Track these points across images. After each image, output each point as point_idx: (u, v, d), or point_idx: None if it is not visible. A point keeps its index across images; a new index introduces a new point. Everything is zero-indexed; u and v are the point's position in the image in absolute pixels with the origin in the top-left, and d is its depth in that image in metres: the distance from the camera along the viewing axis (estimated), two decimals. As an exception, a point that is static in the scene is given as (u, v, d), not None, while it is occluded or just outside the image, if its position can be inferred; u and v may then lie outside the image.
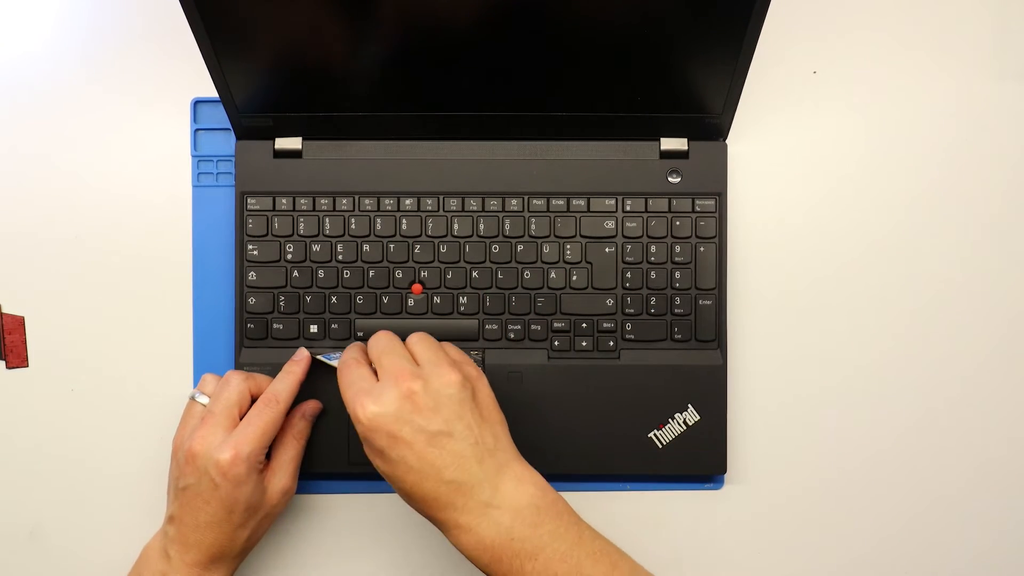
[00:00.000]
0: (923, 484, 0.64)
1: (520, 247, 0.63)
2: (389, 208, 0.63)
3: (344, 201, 0.63)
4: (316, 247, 0.63)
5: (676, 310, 0.62)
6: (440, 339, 0.62)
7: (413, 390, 0.52)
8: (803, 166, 0.65)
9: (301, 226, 0.63)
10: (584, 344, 0.62)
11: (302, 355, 0.61)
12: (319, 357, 0.61)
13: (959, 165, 0.65)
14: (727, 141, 0.63)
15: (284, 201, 0.63)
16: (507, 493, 0.52)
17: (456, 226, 0.63)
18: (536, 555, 0.51)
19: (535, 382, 0.62)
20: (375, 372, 0.54)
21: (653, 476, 0.63)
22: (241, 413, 0.57)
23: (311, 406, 0.61)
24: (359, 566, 0.64)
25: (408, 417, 0.51)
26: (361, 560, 0.64)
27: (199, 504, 0.55)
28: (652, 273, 0.63)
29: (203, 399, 0.59)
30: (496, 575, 0.51)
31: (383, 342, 0.55)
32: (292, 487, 0.59)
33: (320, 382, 0.61)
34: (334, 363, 0.59)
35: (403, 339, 0.56)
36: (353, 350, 0.57)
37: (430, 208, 0.63)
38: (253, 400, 0.58)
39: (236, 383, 0.58)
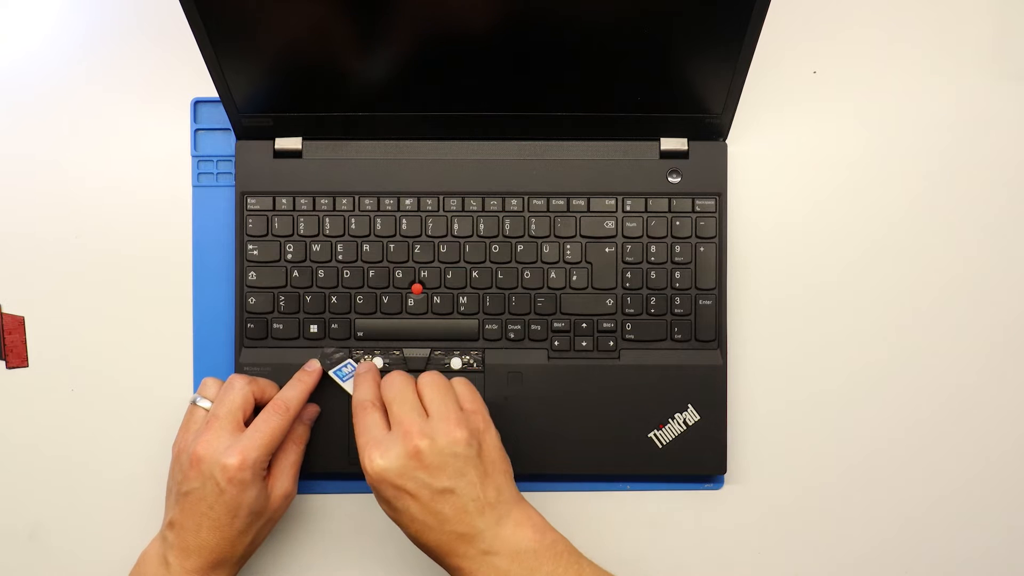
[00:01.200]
0: (923, 484, 0.64)
1: (520, 247, 0.63)
2: (389, 208, 0.63)
3: (344, 201, 0.63)
4: (316, 247, 0.63)
5: (676, 310, 0.62)
6: (440, 339, 0.62)
7: (420, 448, 0.53)
8: (803, 166, 0.65)
9: (301, 226, 0.63)
10: (584, 344, 0.62)
11: (314, 367, 0.61)
12: (331, 373, 0.61)
13: (959, 165, 0.65)
14: (727, 141, 0.63)
15: (284, 201, 0.63)
16: (506, 539, 0.53)
17: (456, 226, 0.63)
18: None
19: (535, 382, 0.62)
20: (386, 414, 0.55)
21: (653, 476, 0.63)
22: (245, 417, 0.57)
23: (311, 411, 0.61)
24: (358, 566, 0.64)
25: (413, 473, 0.53)
26: (360, 560, 0.64)
27: (202, 509, 0.55)
28: (652, 273, 0.63)
29: (204, 403, 0.59)
30: None
31: (396, 387, 0.56)
32: (293, 491, 0.59)
33: (320, 384, 0.61)
34: (347, 386, 0.60)
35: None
36: (368, 386, 0.57)
37: (430, 208, 0.63)
38: (255, 404, 0.58)
39: (240, 387, 0.58)
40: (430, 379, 0.57)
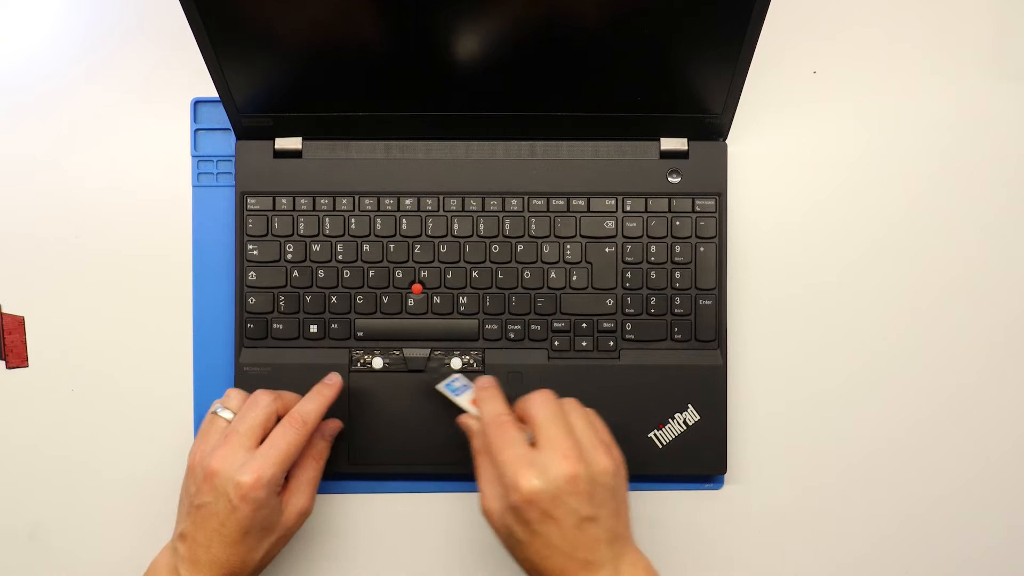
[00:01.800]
0: (923, 484, 0.64)
1: (520, 247, 0.63)
2: (389, 208, 0.63)
3: (344, 201, 0.63)
4: (316, 247, 0.63)
5: (676, 310, 0.62)
6: (440, 339, 0.62)
7: (578, 474, 0.51)
8: (803, 166, 0.65)
9: (301, 226, 0.63)
10: (584, 344, 0.62)
11: (335, 380, 0.60)
12: (441, 387, 0.60)
13: (959, 165, 0.65)
14: (727, 141, 0.63)
15: (284, 201, 0.63)
16: (624, 574, 0.52)
17: (456, 226, 0.63)
18: None
19: (535, 382, 0.62)
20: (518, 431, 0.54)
21: (653, 476, 0.63)
22: (264, 434, 0.56)
23: (332, 426, 0.60)
24: (358, 566, 0.64)
25: (566, 499, 0.51)
26: (360, 560, 0.64)
27: (214, 524, 0.54)
28: (652, 273, 0.63)
29: (226, 414, 0.57)
30: None
31: (549, 406, 0.54)
32: (310, 508, 0.58)
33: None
34: (459, 400, 0.58)
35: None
36: (499, 401, 0.55)
37: (430, 208, 0.63)
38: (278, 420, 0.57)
39: (264, 405, 0.56)
40: (572, 405, 0.55)
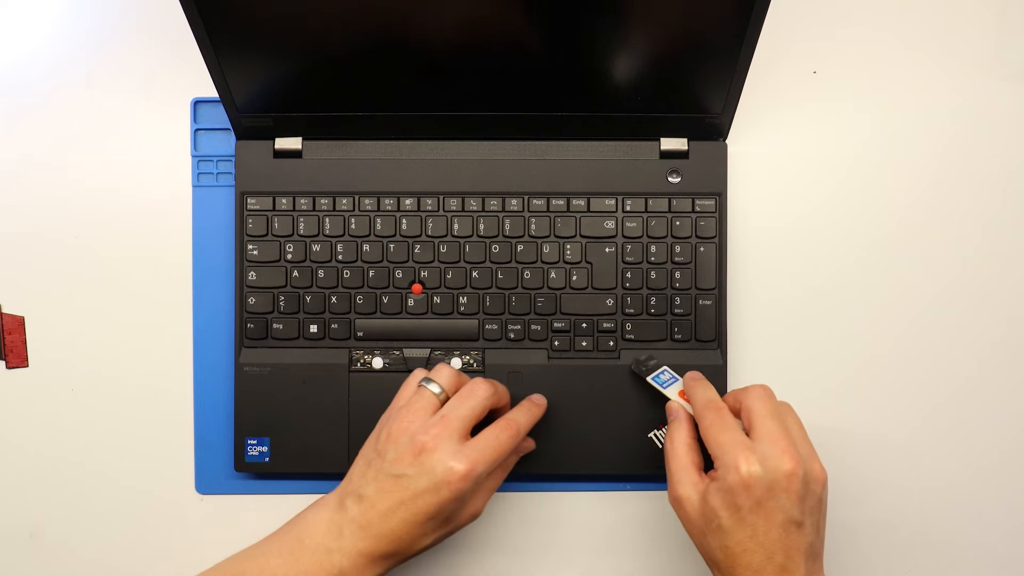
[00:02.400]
0: (923, 485, 0.64)
1: (520, 247, 0.63)
2: (389, 208, 0.63)
3: (344, 201, 0.63)
4: (316, 247, 0.63)
5: (676, 310, 0.62)
6: (440, 339, 0.62)
7: (796, 473, 0.50)
8: (803, 166, 0.65)
9: (301, 226, 0.63)
10: (584, 344, 0.62)
11: (542, 400, 0.60)
12: (649, 379, 0.60)
13: (959, 165, 0.65)
14: (727, 141, 0.63)
15: (284, 201, 0.63)
16: None
17: (456, 226, 0.63)
18: None
19: (535, 382, 0.62)
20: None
21: (653, 476, 0.63)
22: (475, 424, 0.55)
23: (527, 444, 0.60)
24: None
25: (780, 494, 0.50)
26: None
27: (405, 497, 0.52)
28: (652, 273, 0.63)
29: (435, 388, 0.55)
30: None
31: (770, 403, 0.54)
32: (481, 512, 0.56)
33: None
34: (668, 392, 0.58)
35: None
36: (709, 388, 0.56)
37: (430, 208, 0.63)
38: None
39: (483, 396, 0.55)
40: (787, 408, 0.55)
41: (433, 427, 0.53)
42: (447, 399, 0.56)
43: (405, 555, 0.54)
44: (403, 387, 0.57)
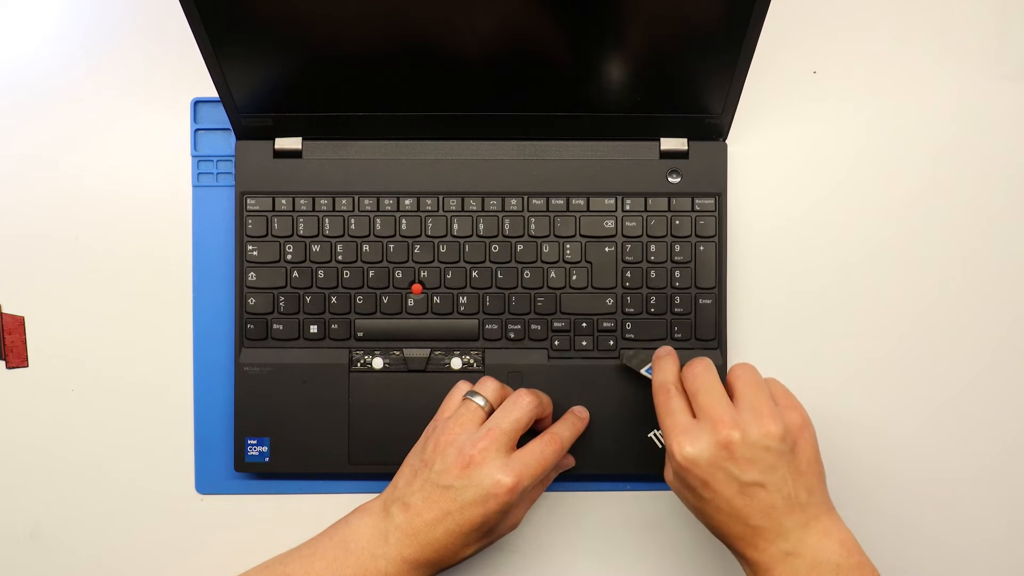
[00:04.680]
0: (924, 485, 0.64)
1: (520, 247, 0.63)
2: (389, 208, 0.63)
3: (344, 201, 0.63)
4: (316, 247, 0.63)
5: (676, 309, 0.62)
6: (440, 339, 0.62)
7: (731, 439, 0.51)
8: (803, 166, 0.65)
9: (301, 226, 0.63)
10: (584, 344, 0.62)
11: (585, 413, 0.60)
12: (643, 372, 0.60)
13: (959, 165, 0.65)
14: (727, 141, 0.63)
15: (284, 201, 0.63)
16: (810, 545, 0.51)
17: (456, 226, 0.63)
18: None
19: (535, 382, 0.62)
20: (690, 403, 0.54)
21: (653, 476, 0.63)
22: (521, 435, 0.56)
23: (567, 461, 0.61)
24: (359, 566, 0.64)
25: (722, 464, 0.51)
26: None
27: (452, 508, 0.53)
28: (652, 272, 0.63)
29: (480, 400, 0.57)
30: None
31: (701, 377, 0.54)
32: (518, 524, 0.57)
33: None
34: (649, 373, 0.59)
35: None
36: (670, 369, 0.56)
37: (430, 208, 0.63)
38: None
39: (528, 407, 0.56)
40: (740, 371, 0.54)
41: (480, 440, 0.54)
42: (492, 411, 0.57)
43: (447, 564, 0.54)
44: (447, 398, 0.58)
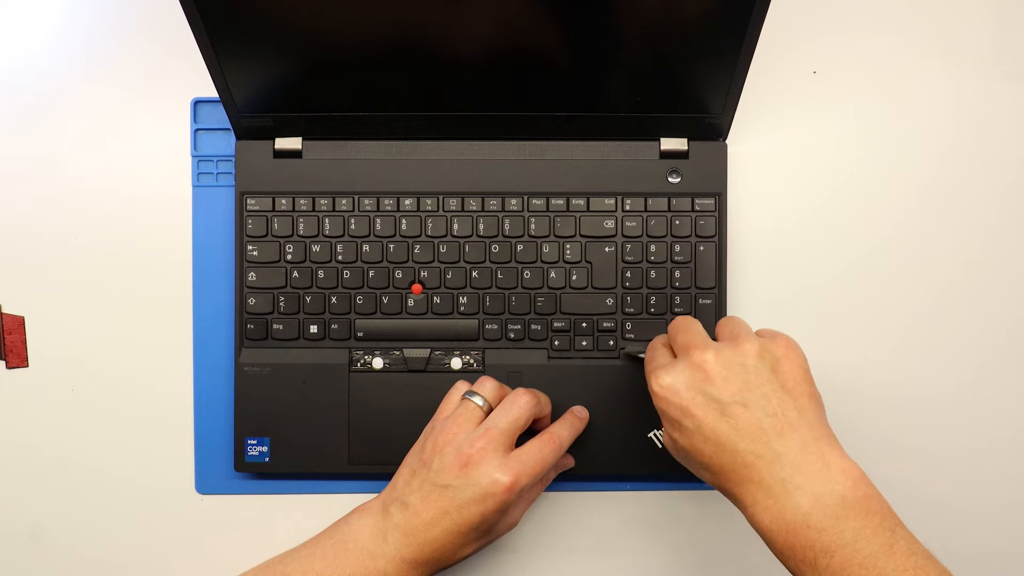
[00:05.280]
0: (924, 486, 0.64)
1: (520, 247, 0.63)
2: (389, 208, 0.63)
3: (344, 201, 0.63)
4: (316, 247, 0.63)
5: (676, 309, 0.62)
6: (440, 339, 0.62)
7: (704, 359, 0.50)
8: (803, 166, 0.65)
9: (301, 226, 0.63)
10: (584, 344, 0.62)
11: (584, 413, 0.60)
12: (639, 355, 0.61)
13: (959, 165, 0.65)
14: (727, 141, 0.63)
15: (284, 201, 0.63)
16: (810, 474, 0.47)
17: (456, 226, 0.63)
18: (832, 552, 0.46)
19: (535, 382, 0.62)
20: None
21: (653, 476, 0.63)
22: (520, 434, 0.56)
23: (566, 461, 0.61)
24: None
25: (700, 386, 0.50)
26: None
27: (450, 508, 0.53)
28: (652, 272, 0.63)
29: (478, 400, 0.56)
30: (789, 564, 0.47)
31: (682, 323, 0.54)
32: (518, 523, 0.57)
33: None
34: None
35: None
36: (663, 337, 0.56)
37: (430, 208, 0.63)
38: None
39: (526, 406, 0.56)
40: (726, 319, 0.54)
41: (478, 439, 0.54)
42: (490, 410, 0.57)
43: (446, 563, 0.54)
44: (446, 398, 0.58)
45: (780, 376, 0.50)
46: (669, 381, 0.51)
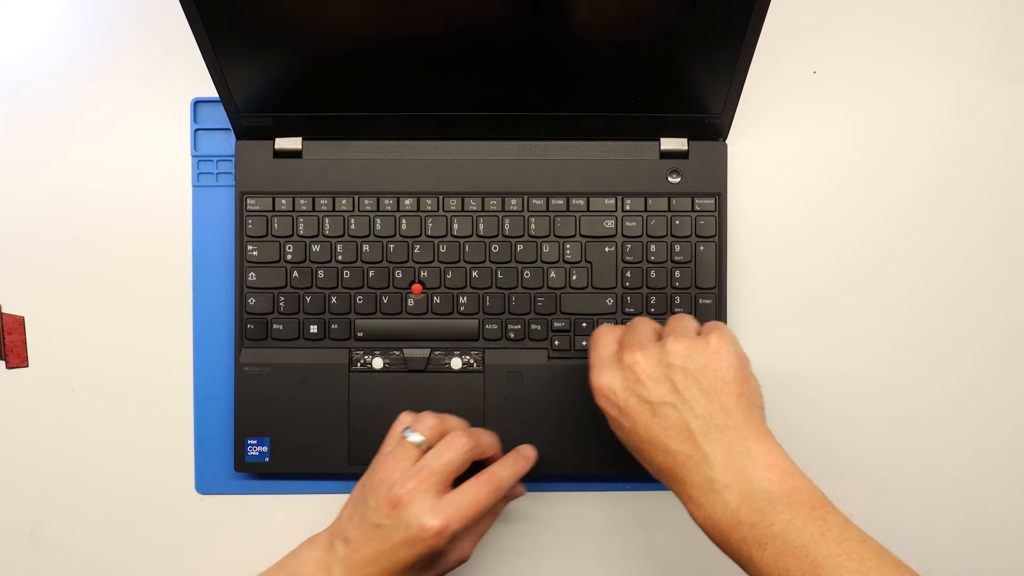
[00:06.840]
0: (924, 487, 0.64)
1: (520, 247, 0.63)
2: (389, 208, 0.63)
3: (344, 201, 0.63)
4: (316, 247, 0.63)
5: (676, 309, 0.62)
6: (440, 339, 0.62)
7: (635, 360, 0.51)
8: (803, 166, 0.65)
9: (301, 226, 0.63)
10: (584, 344, 0.62)
11: (531, 453, 0.58)
12: None
13: (959, 165, 0.65)
14: (727, 141, 0.63)
15: (284, 201, 0.63)
16: (735, 472, 0.48)
17: (456, 226, 0.63)
18: (764, 545, 0.47)
19: (535, 382, 0.62)
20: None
21: (652, 476, 0.63)
22: (456, 476, 0.55)
23: (516, 491, 0.60)
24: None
25: (632, 388, 0.51)
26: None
27: (385, 548, 0.52)
28: (652, 272, 0.63)
29: (416, 438, 0.55)
30: (730, 556, 0.49)
31: (633, 323, 0.54)
32: (469, 557, 0.56)
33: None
34: None
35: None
36: (614, 329, 0.56)
37: (430, 208, 0.63)
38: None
39: (462, 449, 0.54)
40: (673, 316, 0.55)
41: (409, 480, 0.53)
42: (429, 448, 0.56)
43: None
44: (390, 432, 0.58)
45: (708, 376, 0.50)
46: (607, 381, 0.52)
